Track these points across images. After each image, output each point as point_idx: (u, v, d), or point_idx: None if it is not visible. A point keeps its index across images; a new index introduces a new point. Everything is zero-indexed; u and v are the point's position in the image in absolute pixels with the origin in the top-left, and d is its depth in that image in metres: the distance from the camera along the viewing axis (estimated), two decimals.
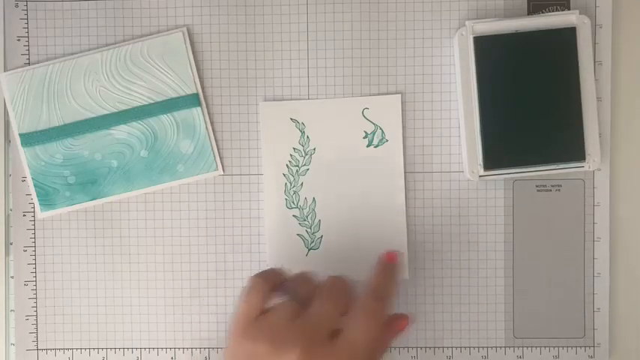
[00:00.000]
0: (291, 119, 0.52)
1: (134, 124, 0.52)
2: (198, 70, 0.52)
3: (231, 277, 0.53)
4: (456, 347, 0.52)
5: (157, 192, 0.52)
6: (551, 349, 0.52)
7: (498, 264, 0.52)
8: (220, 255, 0.53)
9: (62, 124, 0.51)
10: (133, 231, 0.53)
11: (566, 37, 0.50)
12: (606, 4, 0.51)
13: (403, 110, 0.52)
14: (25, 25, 0.52)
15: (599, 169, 0.51)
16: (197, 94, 0.52)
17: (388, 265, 0.46)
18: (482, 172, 0.50)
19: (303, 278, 0.44)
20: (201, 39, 0.52)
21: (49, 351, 0.53)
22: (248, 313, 0.42)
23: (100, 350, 0.53)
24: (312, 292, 0.43)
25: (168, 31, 0.52)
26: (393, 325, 0.45)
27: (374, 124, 0.51)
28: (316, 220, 0.52)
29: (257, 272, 0.45)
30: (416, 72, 0.52)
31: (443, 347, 0.52)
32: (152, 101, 0.51)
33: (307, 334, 0.40)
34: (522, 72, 0.50)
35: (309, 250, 0.52)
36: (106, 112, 0.52)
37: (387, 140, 0.51)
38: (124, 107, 0.51)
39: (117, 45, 0.51)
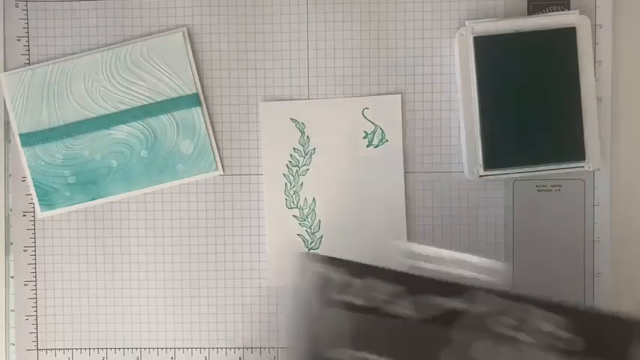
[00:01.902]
0: (291, 119, 0.52)
1: (134, 124, 0.52)
2: (198, 70, 0.52)
3: (231, 277, 0.53)
4: None
5: (156, 192, 0.53)
6: None
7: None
8: (220, 255, 0.53)
9: (62, 124, 0.51)
10: (133, 231, 0.53)
11: (566, 37, 0.50)
12: (606, 4, 0.51)
13: (403, 110, 0.52)
14: (25, 25, 0.52)
15: (599, 169, 0.51)
16: (197, 94, 0.52)
17: None
18: (482, 172, 0.50)
19: None
20: (201, 39, 0.52)
21: (49, 351, 0.53)
22: None
23: (100, 350, 0.53)
24: None
25: (168, 31, 0.52)
26: None
27: (374, 124, 0.51)
28: (316, 220, 0.52)
29: None
30: (416, 72, 0.52)
31: None
32: (152, 101, 0.51)
33: None
34: (522, 72, 0.50)
35: (309, 250, 0.52)
36: (106, 112, 0.52)
37: (387, 140, 0.51)
38: (124, 107, 0.51)
39: (117, 45, 0.51)
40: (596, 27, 0.51)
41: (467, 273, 0.47)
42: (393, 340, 0.39)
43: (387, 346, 0.39)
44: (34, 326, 0.53)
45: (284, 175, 0.52)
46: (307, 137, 0.52)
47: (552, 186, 0.52)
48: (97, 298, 0.53)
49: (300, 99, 0.52)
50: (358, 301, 0.40)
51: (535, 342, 0.39)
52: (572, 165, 0.50)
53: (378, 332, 0.39)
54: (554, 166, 0.50)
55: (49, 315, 0.53)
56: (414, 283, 0.40)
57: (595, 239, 0.52)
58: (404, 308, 0.39)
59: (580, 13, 0.50)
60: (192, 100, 0.52)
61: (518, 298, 0.39)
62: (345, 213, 0.52)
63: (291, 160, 0.52)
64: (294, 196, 0.52)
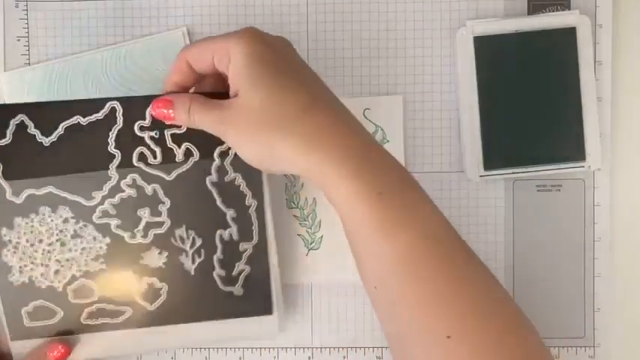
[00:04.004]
0: None
1: None
2: None
3: None
4: None
5: None
6: (552, 349, 0.52)
7: (498, 264, 0.52)
8: None
9: None
10: None
11: (566, 37, 0.50)
12: (606, 4, 0.51)
13: (404, 110, 0.52)
14: (25, 25, 0.51)
15: (599, 169, 0.51)
16: None
17: None
18: (482, 172, 0.50)
19: None
20: None
21: None
22: None
23: None
24: None
25: (168, 31, 0.52)
26: None
27: (375, 124, 0.51)
28: (317, 220, 0.52)
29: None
30: (416, 72, 0.52)
31: None
32: None
33: None
34: (522, 72, 0.50)
35: (309, 250, 0.52)
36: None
37: (387, 141, 0.51)
38: None
39: (117, 45, 0.51)
40: (596, 27, 0.51)
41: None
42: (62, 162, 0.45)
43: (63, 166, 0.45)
44: None
45: (284, 175, 0.52)
46: None
47: (552, 186, 0.52)
48: None
49: None
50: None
51: None
52: (572, 165, 0.50)
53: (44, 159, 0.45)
54: (554, 166, 0.50)
55: None
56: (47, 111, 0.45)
57: (595, 239, 0.52)
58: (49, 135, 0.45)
59: (580, 13, 0.50)
60: None
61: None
62: None
63: None
64: (294, 196, 0.52)
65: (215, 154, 0.45)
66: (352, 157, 0.38)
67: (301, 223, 0.52)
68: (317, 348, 0.52)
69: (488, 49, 0.50)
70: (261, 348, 0.52)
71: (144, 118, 0.44)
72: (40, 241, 0.45)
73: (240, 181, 0.46)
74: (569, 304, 0.52)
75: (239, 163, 0.44)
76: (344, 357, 0.52)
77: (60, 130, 0.44)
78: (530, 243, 0.52)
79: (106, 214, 0.45)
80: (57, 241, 0.45)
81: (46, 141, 0.44)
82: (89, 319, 0.46)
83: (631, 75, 0.52)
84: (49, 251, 0.45)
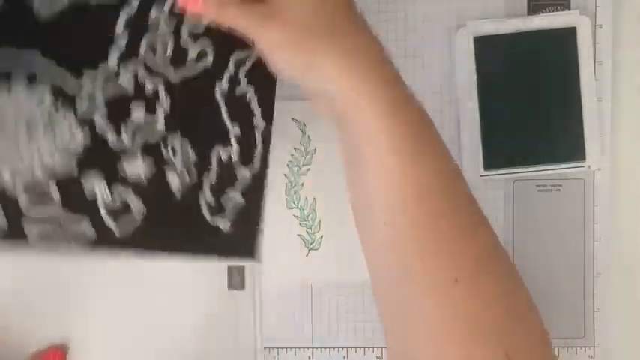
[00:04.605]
0: (293, 119, 0.52)
1: None
2: None
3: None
4: None
5: None
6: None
7: None
8: None
9: None
10: None
11: (566, 37, 0.50)
12: (606, 4, 0.51)
13: None
14: None
15: (599, 169, 0.51)
16: None
17: None
18: (482, 172, 0.50)
19: None
20: None
21: None
22: None
23: None
24: None
25: None
26: None
27: None
28: (316, 221, 0.52)
29: None
30: (416, 72, 0.52)
31: None
32: None
33: None
34: (522, 72, 0.50)
35: (309, 250, 0.52)
36: None
37: None
38: None
39: None
40: (596, 27, 0.51)
41: None
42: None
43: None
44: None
45: (284, 175, 0.52)
46: (308, 137, 0.51)
47: (552, 186, 0.52)
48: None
49: (301, 99, 0.51)
50: None
51: None
52: (572, 165, 0.50)
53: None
54: (554, 166, 0.50)
55: None
56: None
57: (595, 239, 0.52)
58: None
59: (580, 13, 0.50)
60: None
61: None
62: (345, 213, 0.51)
63: (291, 160, 0.52)
64: (294, 196, 0.52)
65: (230, 61, 0.41)
66: (385, 82, 0.38)
67: (301, 223, 0.52)
68: (317, 348, 0.52)
69: (488, 49, 0.50)
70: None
71: (161, 5, 0.39)
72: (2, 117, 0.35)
73: (251, 96, 0.42)
74: (569, 304, 0.52)
75: (254, 76, 0.40)
76: (344, 357, 0.52)
77: (65, 0, 0.36)
78: (530, 243, 0.52)
79: (92, 105, 0.37)
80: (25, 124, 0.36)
81: (44, 15, 0.36)
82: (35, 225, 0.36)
83: (631, 75, 0.52)
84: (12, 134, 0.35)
